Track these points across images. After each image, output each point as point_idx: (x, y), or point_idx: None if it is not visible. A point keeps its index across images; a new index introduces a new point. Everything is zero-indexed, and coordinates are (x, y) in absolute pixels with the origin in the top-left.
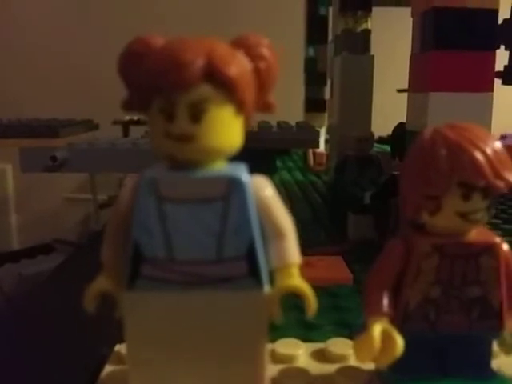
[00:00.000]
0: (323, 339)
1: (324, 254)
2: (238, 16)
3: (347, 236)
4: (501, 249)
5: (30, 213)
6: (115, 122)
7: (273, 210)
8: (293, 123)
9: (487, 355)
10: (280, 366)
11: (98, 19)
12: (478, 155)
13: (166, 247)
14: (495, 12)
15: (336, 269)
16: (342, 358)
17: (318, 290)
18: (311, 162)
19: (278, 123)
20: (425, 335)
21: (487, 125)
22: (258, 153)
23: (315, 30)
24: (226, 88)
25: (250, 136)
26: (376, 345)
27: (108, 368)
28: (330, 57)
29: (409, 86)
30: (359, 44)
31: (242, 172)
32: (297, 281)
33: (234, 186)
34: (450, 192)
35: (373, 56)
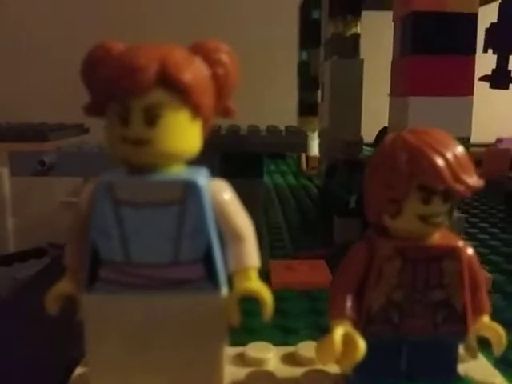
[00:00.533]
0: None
1: (309, 258)
2: (232, 20)
3: (334, 239)
4: (464, 253)
5: (26, 216)
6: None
7: (231, 213)
8: (282, 127)
9: (453, 359)
10: (248, 370)
11: (90, 23)
12: (438, 159)
13: (124, 250)
14: (475, 16)
15: (317, 272)
16: (311, 361)
17: (299, 293)
18: (304, 165)
19: (267, 127)
20: (389, 338)
21: (467, 128)
22: (246, 156)
23: (308, 34)
24: (180, 93)
25: (237, 140)
26: (337, 347)
27: (79, 370)
28: (321, 61)
29: (390, 90)
30: (349, 48)
31: (199, 176)
32: (254, 284)
33: (191, 190)
34: (410, 195)
35: (362, 60)
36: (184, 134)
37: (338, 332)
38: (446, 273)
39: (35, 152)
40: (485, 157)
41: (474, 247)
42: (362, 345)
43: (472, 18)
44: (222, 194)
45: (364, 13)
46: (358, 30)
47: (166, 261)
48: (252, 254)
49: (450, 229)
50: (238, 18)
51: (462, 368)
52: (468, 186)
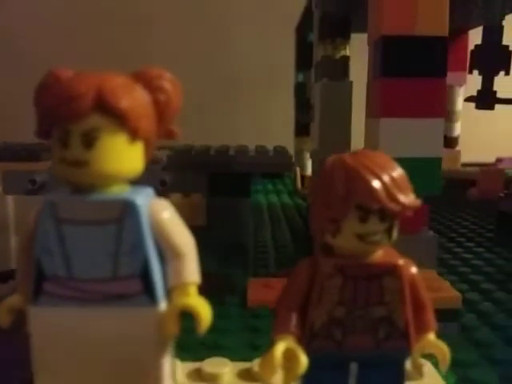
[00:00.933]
0: None
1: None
2: (231, 44)
3: None
4: (404, 270)
5: None
6: None
7: (169, 232)
8: (271, 147)
9: (399, 376)
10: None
11: (82, 36)
12: (373, 180)
13: (66, 266)
14: (444, 39)
15: None
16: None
17: (272, 311)
18: (299, 184)
19: (256, 147)
20: (333, 355)
21: (438, 149)
22: (234, 176)
23: (304, 56)
24: (117, 118)
25: (225, 159)
26: (277, 363)
27: None
28: (312, 83)
29: (366, 111)
30: (338, 70)
31: (137, 196)
32: (191, 300)
33: (128, 209)
34: (348, 215)
35: (351, 82)
36: (121, 156)
37: (279, 347)
38: (387, 290)
39: (27, 171)
40: (479, 176)
41: (456, 266)
42: (303, 360)
43: (442, 41)
44: (161, 213)
45: (353, 35)
46: (347, 52)
47: (105, 276)
48: (191, 270)
49: (395, 248)
50: (238, 41)
51: None
52: (403, 206)
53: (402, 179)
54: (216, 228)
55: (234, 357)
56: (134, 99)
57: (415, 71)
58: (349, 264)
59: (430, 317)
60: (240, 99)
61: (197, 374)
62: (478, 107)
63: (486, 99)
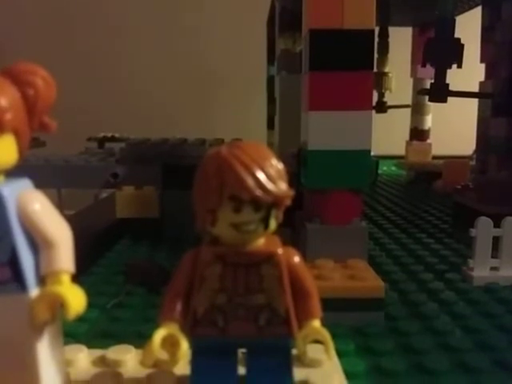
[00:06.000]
0: None
1: None
2: (207, 39)
3: None
4: (283, 259)
5: None
6: (90, 139)
7: (39, 222)
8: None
9: (287, 362)
10: (99, 370)
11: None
12: (243, 171)
13: None
14: (371, 33)
15: None
16: (165, 363)
17: None
18: None
19: (213, 140)
20: (217, 342)
21: (367, 141)
22: (188, 168)
23: (273, 49)
24: None
25: (179, 152)
26: (155, 348)
27: None
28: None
29: (301, 105)
30: (297, 64)
31: (4, 187)
32: (61, 287)
33: None
34: (223, 205)
35: None
36: None
37: (159, 334)
38: (266, 278)
39: None
40: (444, 169)
41: (401, 257)
42: (183, 345)
43: (369, 35)
44: (31, 204)
45: None
46: None
47: None
48: (63, 259)
49: (280, 236)
50: (211, 37)
51: (304, 373)
52: (274, 196)
53: (275, 170)
54: (169, 221)
55: None
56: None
57: (342, 64)
58: (228, 252)
59: (314, 304)
60: (217, 93)
61: (101, 360)
62: (431, 100)
63: (438, 92)
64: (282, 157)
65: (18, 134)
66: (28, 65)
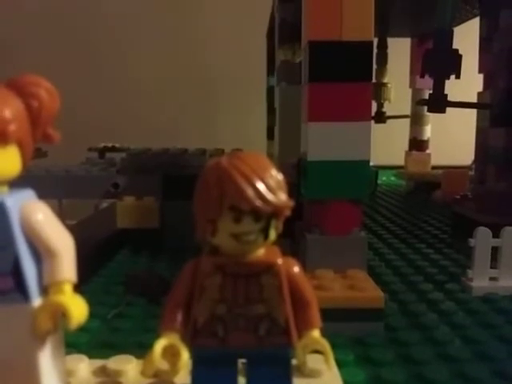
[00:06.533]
0: None
1: None
2: (208, 50)
3: None
4: (283, 269)
5: None
6: (91, 149)
7: (42, 232)
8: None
9: (287, 372)
10: (102, 380)
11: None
12: (243, 182)
13: None
14: (370, 44)
15: None
16: (166, 373)
17: None
18: None
19: (213, 150)
20: (218, 352)
21: (366, 152)
22: (188, 178)
23: (273, 60)
24: None
25: (179, 162)
26: (155, 358)
27: None
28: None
29: (301, 116)
30: (297, 75)
31: (8, 197)
32: (64, 297)
33: None
34: (223, 215)
35: None
36: None
37: (160, 344)
38: (265, 288)
39: None
40: (443, 179)
41: (400, 267)
42: (184, 355)
43: (367, 46)
44: (34, 214)
45: None
46: None
47: None
48: (65, 269)
49: (281, 246)
50: (212, 48)
51: (307, 383)
52: (274, 206)
53: (275, 180)
54: (169, 231)
55: None
56: (2, 104)
57: (341, 76)
58: (228, 262)
59: (314, 314)
60: (217, 104)
61: (102, 370)
62: (429, 110)
63: (437, 102)
64: (281, 167)
65: (21, 146)
66: (32, 77)
